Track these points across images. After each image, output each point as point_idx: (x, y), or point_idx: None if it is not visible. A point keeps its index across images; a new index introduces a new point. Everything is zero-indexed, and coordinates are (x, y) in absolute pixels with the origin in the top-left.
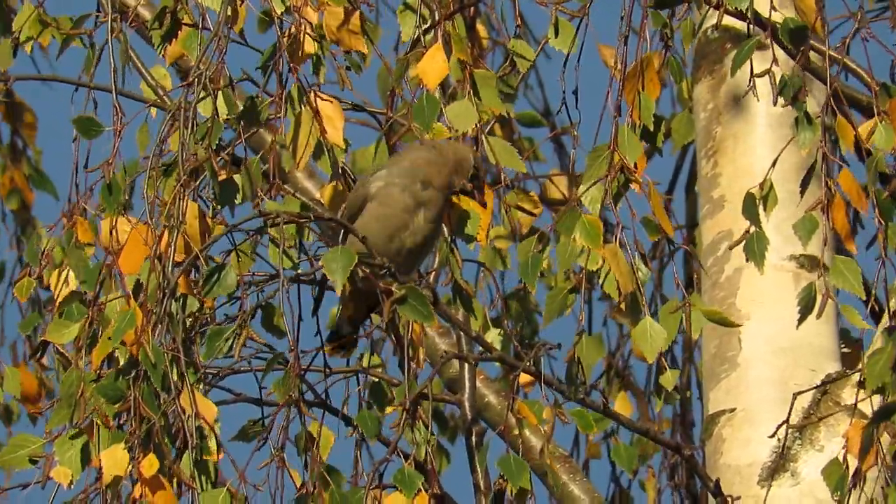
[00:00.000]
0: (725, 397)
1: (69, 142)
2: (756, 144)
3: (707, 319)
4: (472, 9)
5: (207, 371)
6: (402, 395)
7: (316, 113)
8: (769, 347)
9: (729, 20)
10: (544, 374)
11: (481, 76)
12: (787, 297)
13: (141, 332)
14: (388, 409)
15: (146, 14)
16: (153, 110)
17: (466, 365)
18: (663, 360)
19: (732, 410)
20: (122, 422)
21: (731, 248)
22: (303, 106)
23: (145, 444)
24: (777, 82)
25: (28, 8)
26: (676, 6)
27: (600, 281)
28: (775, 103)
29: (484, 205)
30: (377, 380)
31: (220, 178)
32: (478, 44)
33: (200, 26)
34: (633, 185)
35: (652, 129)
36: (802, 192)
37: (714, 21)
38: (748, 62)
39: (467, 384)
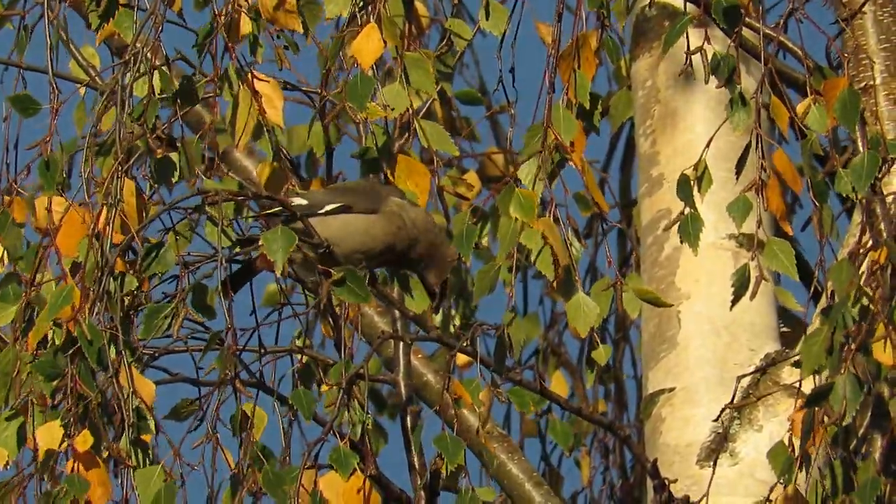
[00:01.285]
0: (665, 377)
1: None
2: (695, 122)
3: (640, 299)
4: None
5: (143, 351)
6: (337, 374)
7: (254, 93)
8: (709, 327)
9: None
10: (480, 355)
11: (412, 59)
12: (726, 277)
13: (78, 310)
14: (324, 388)
15: None
16: (82, 89)
17: (402, 344)
18: (595, 335)
19: (672, 390)
20: (57, 402)
21: (667, 228)
22: (241, 85)
23: (81, 421)
24: (710, 61)
25: None
26: None
27: (534, 258)
28: (707, 82)
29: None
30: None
31: (157, 157)
32: (416, 23)
33: (136, 6)
34: (570, 163)
35: (588, 107)
36: (738, 174)
37: None
38: (683, 39)
39: (402, 363)
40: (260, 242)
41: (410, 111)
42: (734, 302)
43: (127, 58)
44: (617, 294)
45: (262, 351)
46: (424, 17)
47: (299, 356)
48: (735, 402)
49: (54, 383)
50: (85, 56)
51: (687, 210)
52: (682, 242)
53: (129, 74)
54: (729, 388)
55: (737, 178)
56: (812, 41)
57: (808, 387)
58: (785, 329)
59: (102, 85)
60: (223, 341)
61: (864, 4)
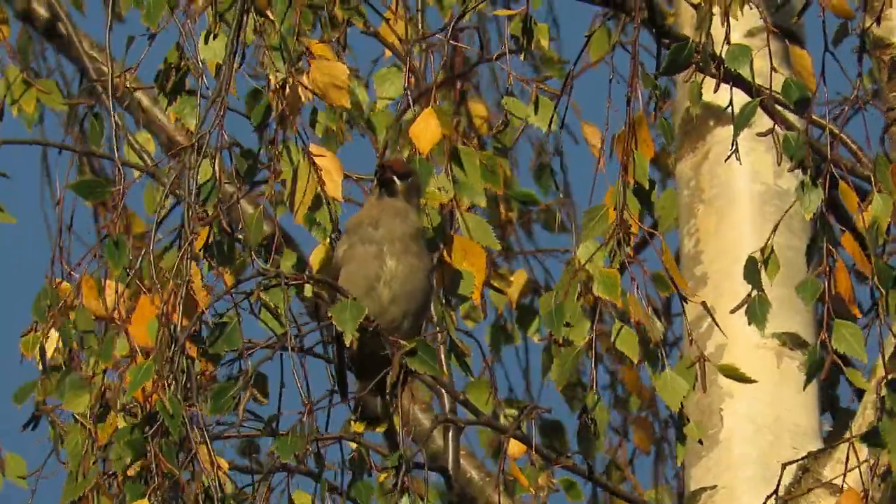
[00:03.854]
0: (706, 475)
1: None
2: (740, 221)
3: (723, 375)
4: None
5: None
6: (394, 462)
7: (314, 165)
8: (751, 425)
9: (710, 97)
10: (534, 441)
11: (466, 153)
12: (768, 375)
13: (156, 387)
14: (381, 477)
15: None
16: (136, 173)
17: (451, 430)
18: (685, 412)
19: (713, 488)
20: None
21: (733, 311)
22: (302, 158)
23: (166, 500)
24: (781, 142)
25: (13, 70)
26: (682, 71)
27: (613, 339)
28: (780, 163)
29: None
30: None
31: (219, 238)
32: (466, 117)
33: (199, 91)
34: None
35: (647, 187)
36: (809, 260)
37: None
38: (728, 130)
39: (451, 449)
40: (329, 314)
41: (455, 204)
42: (807, 383)
43: (193, 142)
44: (699, 371)
45: (316, 437)
46: (479, 118)
47: (352, 443)
48: (777, 498)
49: (137, 462)
50: (139, 141)
51: (755, 293)
52: (749, 324)
53: (194, 158)
54: (771, 486)
55: (808, 265)
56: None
57: (849, 481)
58: (828, 428)
59: (164, 171)
60: (272, 429)
61: None
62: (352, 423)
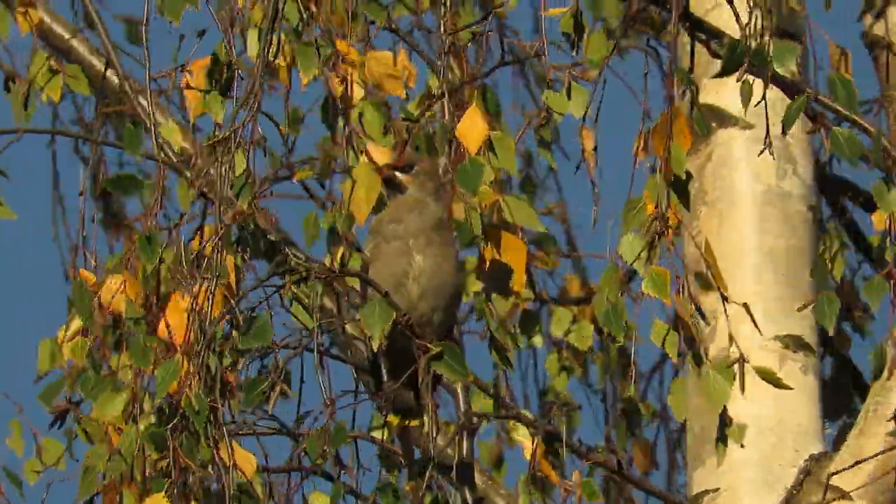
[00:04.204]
0: (709, 477)
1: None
2: (741, 224)
3: (760, 377)
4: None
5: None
6: (420, 465)
7: (373, 163)
8: (754, 428)
9: (713, 99)
10: (564, 436)
11: (498, 138)
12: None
13: (184, 383)
14: (407, 487)
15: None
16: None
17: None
18: (728, 413)
19: (716, 490)
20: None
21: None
22: (360, 155)
23: (186, 495)
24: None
25: (41, 56)
26: (737, 72)
27: (656, 338)
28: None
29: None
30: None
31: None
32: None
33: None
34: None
35: (684, 178)
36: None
37: (701, 100)
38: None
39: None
40: (357, 317)
41: (495, 187)
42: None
43: (227, 133)
44: (739, 373)
45: (351, 436)
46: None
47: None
48: (779, 502)
49: (159, 456)
50: (164, 134)
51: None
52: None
53: (228, 152)
54: (774, 489)
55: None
56: None
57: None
58: (829, 431)
59: (195, 168)
60: (287, 429)
61: None
62: (384, 416)
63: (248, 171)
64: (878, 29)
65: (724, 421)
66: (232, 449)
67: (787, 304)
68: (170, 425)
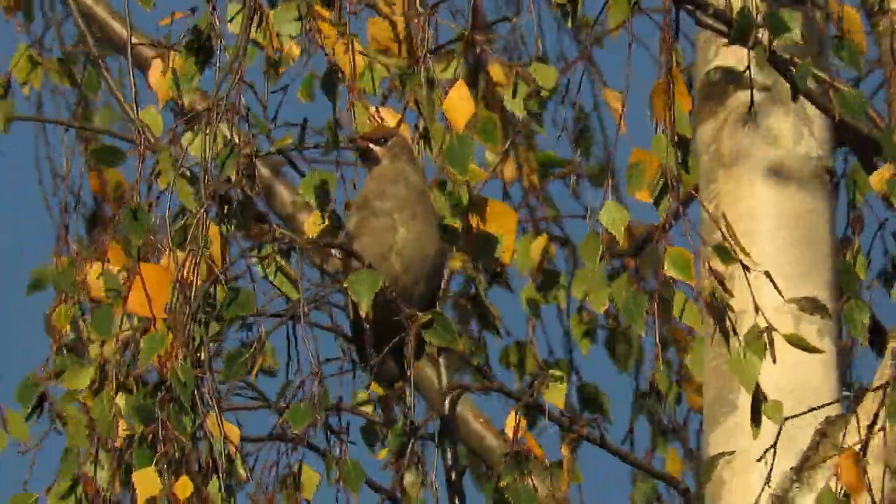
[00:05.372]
0: (726, 440)
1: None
2: (758, 188)
3: (790, 344)
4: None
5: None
6: (398, 434)
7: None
8: (770, 391)
9: (730, 61)
10: (548, 408)
11: (486, 118)
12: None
13: (169, 354)
14: (381, 454)
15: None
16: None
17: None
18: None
19: (732, 453)
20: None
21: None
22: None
23: (173, 466)
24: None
25: (22, 49)
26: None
27: (677, 313)
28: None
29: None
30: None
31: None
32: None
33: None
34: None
35: (689, 137)
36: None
37: (716, 63)
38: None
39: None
40: (344, 285)
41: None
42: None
43: (209, 106)
44: (768, 342)
45: (334, 406)
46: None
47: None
48: (794, 464)
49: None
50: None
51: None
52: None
53: (211, 124)
54: (789, 452)
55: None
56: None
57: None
58: (846, 393)
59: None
60: (267, 400)
61: None
62: (369, 386)
63: (231, 140)
64: None
65: (758, 397)
66: (221, 421)
67: (803, 266)
68: (158, 397)
